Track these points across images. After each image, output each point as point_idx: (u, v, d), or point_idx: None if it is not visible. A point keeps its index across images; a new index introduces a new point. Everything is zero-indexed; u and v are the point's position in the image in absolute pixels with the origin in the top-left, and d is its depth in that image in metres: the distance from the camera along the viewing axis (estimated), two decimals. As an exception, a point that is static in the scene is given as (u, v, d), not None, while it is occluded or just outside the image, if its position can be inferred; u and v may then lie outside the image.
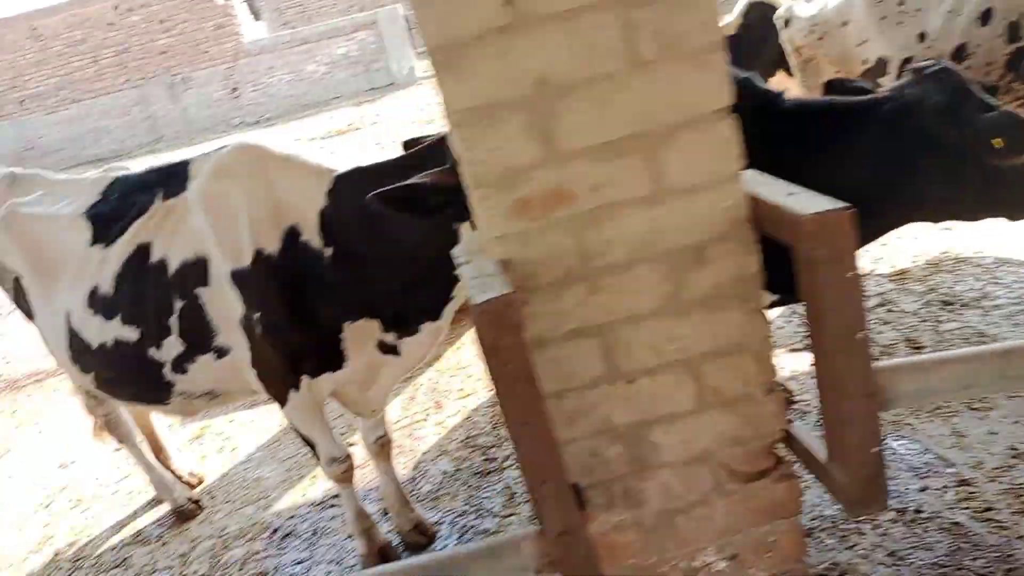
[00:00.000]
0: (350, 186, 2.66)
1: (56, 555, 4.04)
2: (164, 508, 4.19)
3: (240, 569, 3.60)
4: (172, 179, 3.02)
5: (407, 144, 2.83)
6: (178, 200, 2.95)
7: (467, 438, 4.20)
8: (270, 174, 2.76)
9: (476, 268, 1.20)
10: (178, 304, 2.92)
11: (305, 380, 2.91)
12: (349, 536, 3.54)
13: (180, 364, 3.03)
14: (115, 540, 4.06)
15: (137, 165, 3.62)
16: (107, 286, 3.05)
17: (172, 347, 3.00)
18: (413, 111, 14.88)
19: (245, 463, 4.50)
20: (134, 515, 4.26)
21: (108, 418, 3.95)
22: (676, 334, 1.31)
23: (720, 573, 1.53)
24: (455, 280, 2.67)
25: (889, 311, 4.24)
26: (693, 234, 1.25)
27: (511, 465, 3.86)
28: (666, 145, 1.20)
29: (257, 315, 2.75)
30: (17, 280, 3.46)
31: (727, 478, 1.44)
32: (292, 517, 3.89)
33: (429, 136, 2.72)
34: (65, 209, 3.27)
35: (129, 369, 3.12)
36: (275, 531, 3.81)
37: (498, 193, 1.19)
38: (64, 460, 5.06)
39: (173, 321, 2.94)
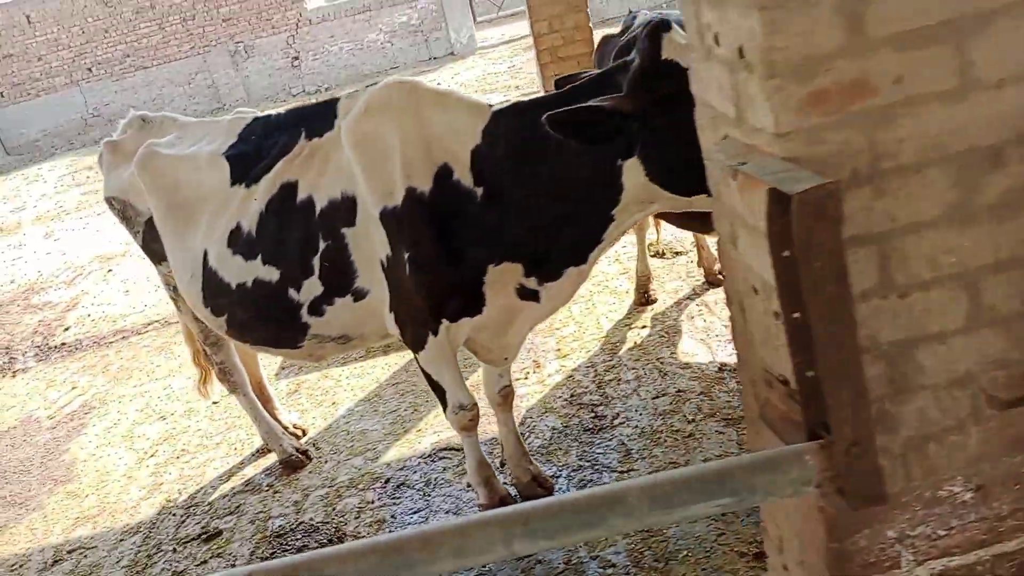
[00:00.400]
0: (508, 123, 2.60)
1: (168, 502, 4.11)
2: (271, 458, 4.24)
3: (356, 517, 3.62)
4: (317, 118, 3.00)
5: (559, 83, 2.76)
6: (325, 139, 2.93)
7: (571, 396, 4.16)
8: (424, 111, 2.71)
9: (761, 166, 1.13)
10: (322, 244, 2.91)
11: (444, 324, 2.88)
12: (468, 486, 3.54)
13: (317, 306, 3.03)
14: (225, 488, 4.12)
15: (259, 112, 3.61)
16: (249, 225, 3.05)
17: (311, 288, 2.99)
18: (473, 80, 14.76)
19: (346, 416, 4.53)
20: (241, 465, 4.31)
21: (223, 366, 3.99)
22: (957, 245, 1.23)
23: (964, 504, 1.45)
24: (608, 222, 2.60)
25: None
26: (993, 134, 1.16)
27: (622, 423, 3.80)
28: (979, 33, 1.11)
29: (406, 255, 2.72)
30: (150, 222, 3.49)
31: (985, 403, 1.36)
32: (403, 468, 3.90)
33: (583, 74, 2.65)
34: (203, 149, 3.28)
35: (265, 310, 3.13)
36: (387, 481, 3.82)
37: (793, 84, 1.11)
38: (163, 412, 5.15)
39: (315, 262, 2.94)
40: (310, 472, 4.06)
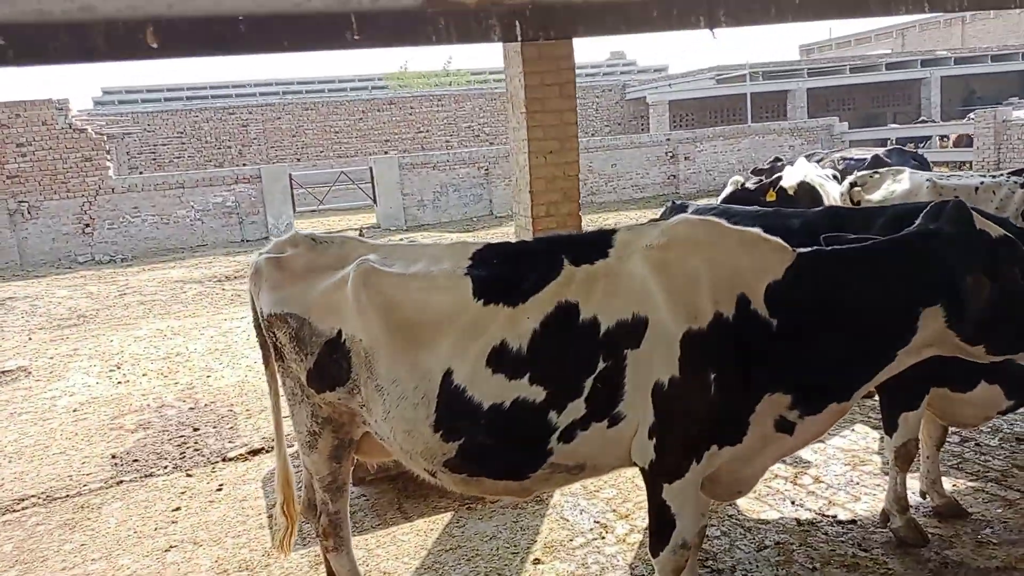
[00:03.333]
0: (813, 264, 2.92)
1: None
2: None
3: None
4: (583, 247, 3.09)
5: (827, 240, 3.15)
6: (600, 266, 3.01)
7: (664, 553, 4.15)
8: (729, 244, 2.96)
9: None
10: (600, 364, 2.90)
11: (711, 451, 2.95)
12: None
13: (571, 431, 2.96)
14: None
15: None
16: (519, 343, 2.94)
17: (573, 411, 2.93)
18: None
19: (416, 584, 4.08)
20: (311, 644, 3.66)
21: (336, 518, 3.51)
22: None
23: None
24: (887, 362, 2.95)
25: None
26: None
27: (747, 573, 3.90)
28: None
29: (712, 376, 2.82)
30: (331, 344, 3.17)
31: None
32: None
33: (847, 235, 3.12)
34: (433, 269, 3.15)
35: (514, 435, 2.97)
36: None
37: None
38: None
39: (587, 383, 2.91)
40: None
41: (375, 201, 19.68)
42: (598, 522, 4.58)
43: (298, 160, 25.46)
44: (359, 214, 20.71)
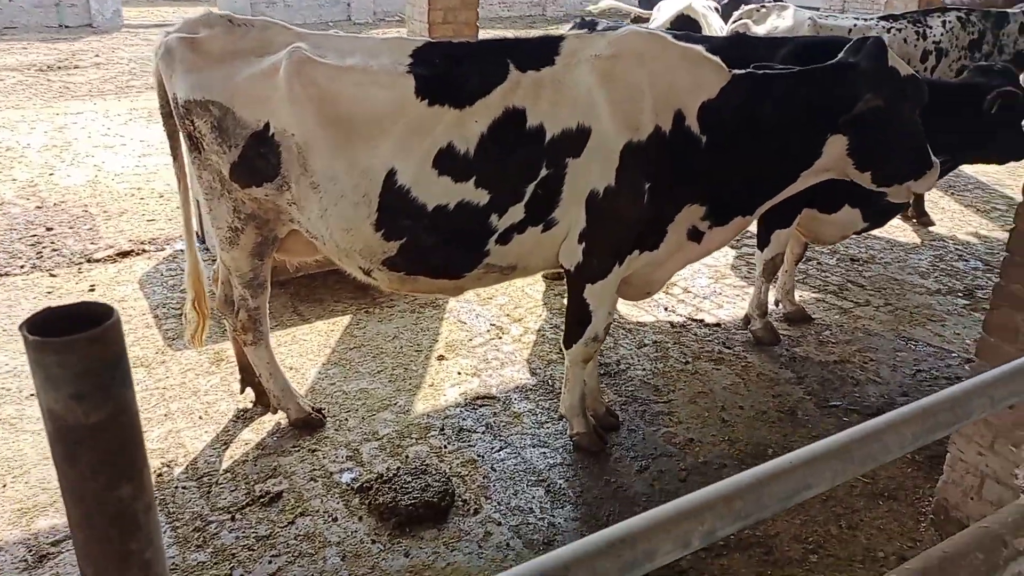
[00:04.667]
0: (745, 85, 3.08)
1: (162, 478, 3.43)
2: (266, 421, 3.82)
3: (442, 460, 3.56)
4: (528, 53, 3.05)
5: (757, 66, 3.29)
6: (546, 73, 3.01)
7: (560, 351, 4.54)
8: (673, 61, 3.04)
9: None
10: (543, 171, 2.98)
11: (632, 255, 3.19)
12: (561, 417, 3.74)
13: (508, 234, 3.08)
14: (234, 455, 3.60)
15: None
16: (465, 147, 2.94)
17: (513, 215, 3.04)
18: (139, 58, 13.29)
19: (325, 379, 4.24)
20: (227, 432, 3.77)
21: (256, 313, 3.52)
22: None
23: None
24: (790, 181, 3.25)
25: None
26: None
27: (628, 367, 4.38)
28: None
29: (646, 185, 3.00)
30: (258, 136, 3.01)
31: None
32: (447, 417, 3.90)
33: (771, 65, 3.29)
34: (372, 64, 3.01)
35: (455, 235, 3.04)
36: (441, 430, 3.80)
37: None
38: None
39: (528, 188, 3.00)
40: (334, 431, 3.78)
41: (216, -7, 17.78)
42: (494, 325, 4.87)
43: (118, -64, 22.16)
44: (198, 5, 18.67)
